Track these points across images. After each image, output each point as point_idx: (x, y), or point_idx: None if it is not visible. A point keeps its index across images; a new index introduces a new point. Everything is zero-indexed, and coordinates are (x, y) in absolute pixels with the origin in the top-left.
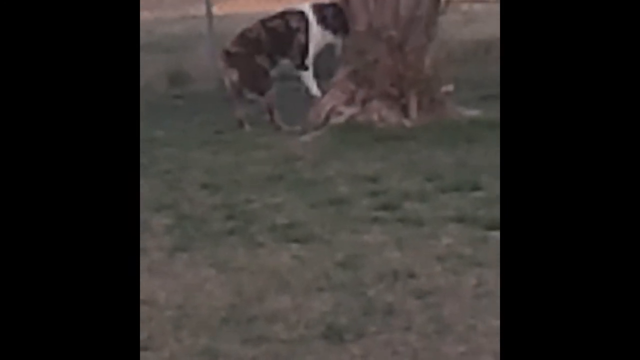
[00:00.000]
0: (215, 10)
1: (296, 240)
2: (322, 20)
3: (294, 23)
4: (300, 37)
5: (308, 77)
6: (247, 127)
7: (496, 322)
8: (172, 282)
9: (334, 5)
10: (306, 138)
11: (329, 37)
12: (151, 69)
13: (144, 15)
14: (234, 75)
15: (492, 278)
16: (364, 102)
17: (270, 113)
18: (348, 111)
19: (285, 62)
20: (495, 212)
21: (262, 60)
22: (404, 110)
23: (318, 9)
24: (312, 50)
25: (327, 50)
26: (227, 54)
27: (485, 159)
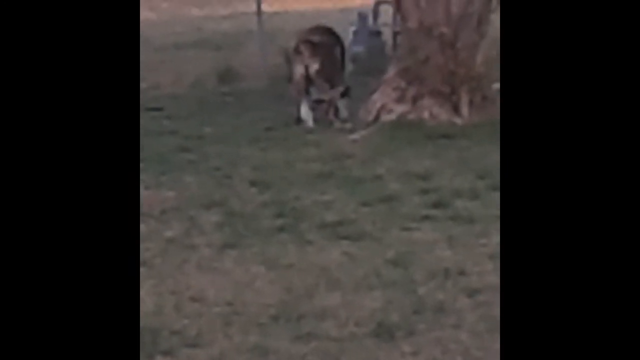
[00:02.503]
0: (265, 7)
1: (346, 238)
2: None
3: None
4: None
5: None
6: (309, 123)
7: None
8: (221, 279)
9: None
10: (356, 135)
11: None
12: (201, 66)
13: (194, 12)
14: (315, 65)
15: None
16: (414, 99)
17: (330, 107)
18: (399, 109)
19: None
20: None
21: (337, 53)
22: (455, 108)
23: None
24: None
25: (378, 48)
26: (311, 43)
27: None
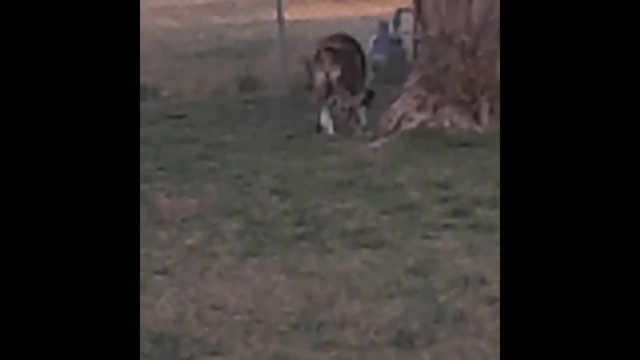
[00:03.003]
0: (286, 15)
1: (366, 246)
2: None
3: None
4: None
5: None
6: (330, 130)
7: None
8: (242, 287)
9: None
10: (377, 144)
11: None
12: (222, 74)
13: (215, 20)
14: (336, 72)
15: None
16: (435, 108)
17: (351, 115)
18: (419, 117)
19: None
20: None
21: (358, 60)
22: (476, 116)
23: None
24: None
25: (399, 56)
26: (332, 50)
27: None
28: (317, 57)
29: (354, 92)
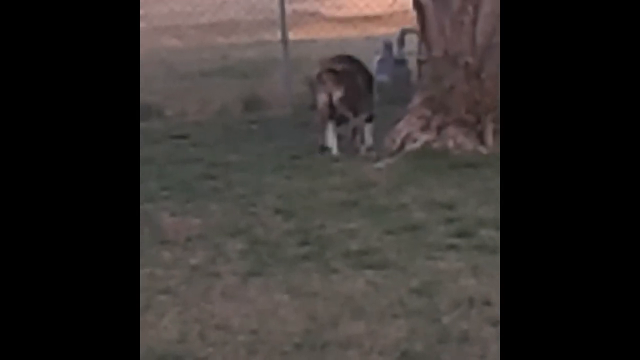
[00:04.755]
0: (291, 35)
1: (371, 267)
2: None
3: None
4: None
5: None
6: (334, 151)
7: None
8: (246, 307)
9: None
10: (381, 164)
11: None
12: (226, 93)
13: (219, 40)
14: (338, 93)
15: None
16: (439, 128)
17: (355, 135)
18: (423, 137)
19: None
20: None
21: (361, 81)
22: (480, 137)
23: None
24: None
25: (403, 76)
26: (334, 72)
27: None
28: (319, 79)
29: (356, 113)
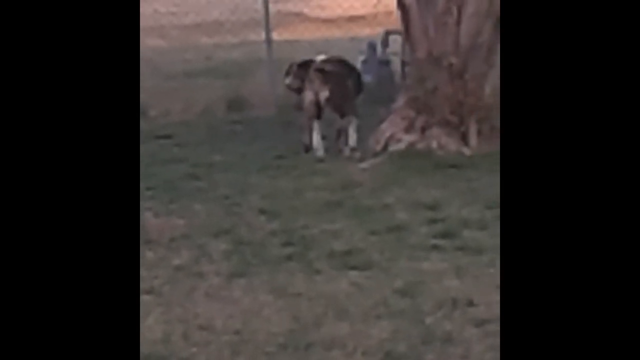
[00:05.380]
0: (275, 35)
1: (354, 267)
2: None
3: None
4: None
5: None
6: (320, 152)
7: None
8: (230, 307)
9: None
10: (365, 165)
11: None
12: (210, 94)
13: (204, 40)
14: (325, 93)
15: None
16: (423, 129)
17: (339, 136)
18: (407, 138)
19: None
20: None
21: (350, 84)
22: (464, 138)
23: None
24: None
25: (387, 77)
26: (322, 71)
27: None
28: (307, 78)
29: (343, 114)
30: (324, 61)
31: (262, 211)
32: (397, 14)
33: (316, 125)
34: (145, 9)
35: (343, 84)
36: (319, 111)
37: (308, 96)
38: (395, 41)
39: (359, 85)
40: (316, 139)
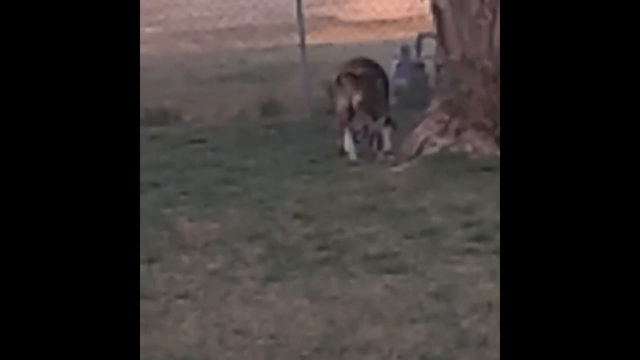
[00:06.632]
0: (308, 39)
1: (389, 271)
2: None
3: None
4: None
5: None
6: (352, 155)
7: None
8: (264, 311)
9: None
10: (399, 168)
11: None
12: (244, 98)
13: (238, 45)
14: (358, 97)
15: None
16: (457, 132)
17: (373, 139)
18: (441, 141)
19: None
20: None
21: (379, 84)
22: (498, 141)
23: None
24: None
25: (421, 80)
26: (353, 76)
27: None
28: (338, 83)
29: (375, 117)
30: (351, 64)
31: (296, 215)
32: (430, 17)
33: (349, 129)
34: (178, 13)
35: (374, 85)
36: (351, 115)
37: (341, 102)
38: (429, 45)
39: (387, 84)
40: (348, 142)
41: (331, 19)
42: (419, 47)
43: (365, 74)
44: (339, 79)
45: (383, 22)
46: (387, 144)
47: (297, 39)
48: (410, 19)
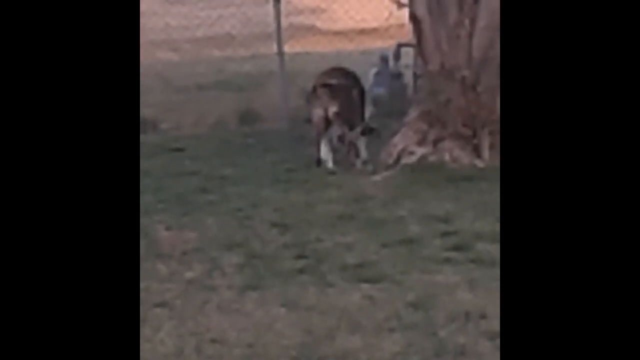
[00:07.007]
0: (286, 48)
1: (367, 280)
2: None
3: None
4: None
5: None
6: (330, 165)
7: None
8: (242, 320)
9: None
10: (377, 177)
11: None
12: (222, 107)
13: (215, 53)
14: (334, 107)
15: None
16: (435, 142)
17: (350, 149)
18: (420, 151)
19: None
20: None
21: (355, 94)
22: (476, 151)
23: None
24: None
25: (399, 90)
26: (329, 86)
27: None
28: (314, 93)
29: (352, 127)
30: (327, 74)
31: (274, 224)
32: (409, 26)
33: (325, 138)
34: (156, 22)
35: (350, 95)
36: (327, 125)
37: (317, 112)
38: (408, 54)
39: (363, 94)
40: (324, 150)
41: (309, 28)
42: (397, 56)
43: (341, 84)
44: (314, 89)
45: (361, 31)
46: (363, 153)
47: (275, 48)
48: (388, 28)
